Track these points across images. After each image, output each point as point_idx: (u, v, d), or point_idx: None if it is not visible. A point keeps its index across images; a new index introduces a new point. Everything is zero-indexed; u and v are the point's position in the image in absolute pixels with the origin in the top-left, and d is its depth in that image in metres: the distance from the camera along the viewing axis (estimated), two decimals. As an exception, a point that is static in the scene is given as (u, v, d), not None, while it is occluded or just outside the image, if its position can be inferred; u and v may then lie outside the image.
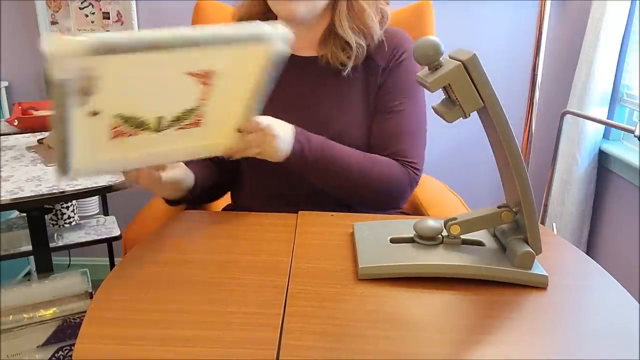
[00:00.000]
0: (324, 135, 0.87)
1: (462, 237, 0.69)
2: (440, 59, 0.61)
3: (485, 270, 0.63)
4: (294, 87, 0.94)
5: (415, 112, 0.96)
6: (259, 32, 0.62)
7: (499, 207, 0.68)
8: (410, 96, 0.95)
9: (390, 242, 0.70)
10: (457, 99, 0.60)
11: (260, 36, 0.62)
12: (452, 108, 0.61)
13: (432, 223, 0.69)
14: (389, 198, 0.91)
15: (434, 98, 1.04)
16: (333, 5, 0.92)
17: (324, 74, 0.95)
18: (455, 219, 0.68)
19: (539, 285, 0.63)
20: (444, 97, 0.65)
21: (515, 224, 0.67)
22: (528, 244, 0.64)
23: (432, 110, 0.68)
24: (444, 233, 0.69)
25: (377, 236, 0.72)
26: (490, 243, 0.70)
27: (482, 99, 0.60)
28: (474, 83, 0.59)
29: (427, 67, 0.62)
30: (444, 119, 0.62)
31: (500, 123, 0.61)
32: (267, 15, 0.93)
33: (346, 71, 0.92)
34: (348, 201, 0.92)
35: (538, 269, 0.64)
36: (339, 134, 0.90)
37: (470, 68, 0.58)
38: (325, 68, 0.94)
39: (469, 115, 0.61)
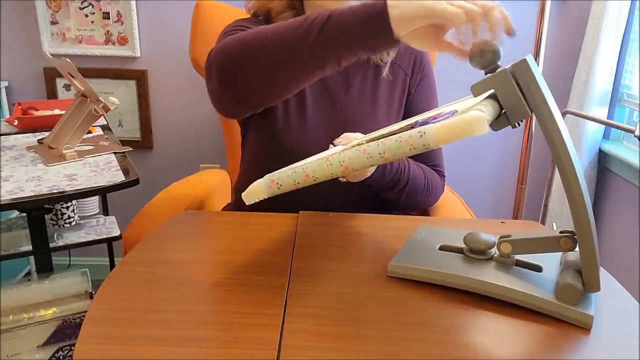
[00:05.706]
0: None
1: (519, 258, 0.63)
2: (499, 62, 0.57)
3: (509, 291, 0.58)
4: (328, 87, 0.96)
5: None
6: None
7: (560, 232, 0.60)
8: (435, 104, 1.03)
9: (439, 249, 0.68)
10: (502, 107, 0.56)
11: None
12: (497, 116, 0.56)
13: (483, 237, 0.64)
14: (432, 201, 1.04)
15: (443, 95, 1.04)
16: None
17: (355, 73, 0.97)
18: (509, 236, 0.63)
19: (579, 325, 0.55)
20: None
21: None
22: (582, 278, 0.57)
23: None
24: (495, 250, 0.64)
25: (431, 240, 0.70)
26: (551, 270, 0.62)
27: (530, 109, 0.54)
28: (521, 90, 0.54)
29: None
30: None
31: (551, 137, 0.54)
32: (290, 10, 0.93)
33: (386, 67, 0.97)
34: (401, 204, 0.97)
35: (586, 306, 0.56)
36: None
37: (518, 74, 0.54)
38: (356, 67, 0.97)
39: (517, 125, 0.57)
